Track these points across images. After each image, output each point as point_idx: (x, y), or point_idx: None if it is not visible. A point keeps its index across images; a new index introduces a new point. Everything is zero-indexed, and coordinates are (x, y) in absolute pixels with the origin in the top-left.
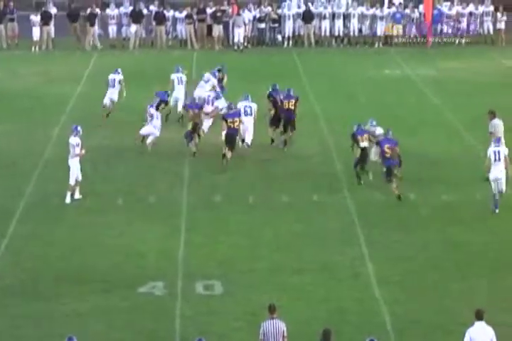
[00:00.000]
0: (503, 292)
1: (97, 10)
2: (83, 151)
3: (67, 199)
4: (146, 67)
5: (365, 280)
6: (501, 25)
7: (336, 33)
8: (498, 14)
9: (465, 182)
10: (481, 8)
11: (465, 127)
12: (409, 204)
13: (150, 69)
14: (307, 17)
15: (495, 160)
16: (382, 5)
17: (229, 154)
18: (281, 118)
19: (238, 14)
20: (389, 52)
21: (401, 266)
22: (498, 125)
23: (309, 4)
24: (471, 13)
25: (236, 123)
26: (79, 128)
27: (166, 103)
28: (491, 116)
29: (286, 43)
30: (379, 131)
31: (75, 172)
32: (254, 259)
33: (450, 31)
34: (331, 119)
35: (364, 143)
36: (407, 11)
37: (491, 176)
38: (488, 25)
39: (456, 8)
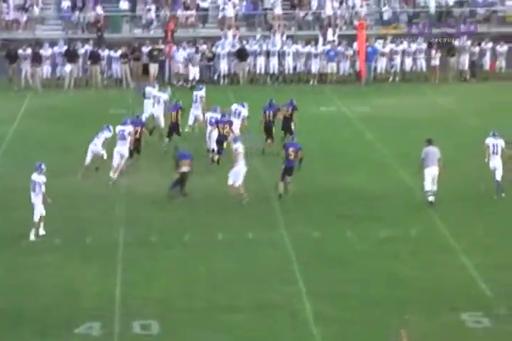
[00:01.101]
0: (440, 328)
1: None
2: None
3: (32, 237)
4: (81, 106)
5: (303, 318)
6: (435, 62)
7: (271, 71)
8: (432, 51)
9: (400, 217)
10: (414, 46)
11: (398, 163)
12: (345, 240)
13: (85, 108)
14: (242, 55)
15: (493, 152)
16: (316, 43)
17: (216, 157)
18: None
19: (196, 52)
20: (324, 90)
21: (339, 303)
22: (429, 151)
23: (244, 42)
24: (404, 51)
25: (226, 130)
26: (42, 166)
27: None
28: (426, 144)
29: (222, 81)
30: None
31: (39, 209)
32: (191, 298)
33: (384, 68)
34: (267, 156)
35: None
36: (341, 48)
37: (491, 165)
38: (421, 62)
39: (390, 46)
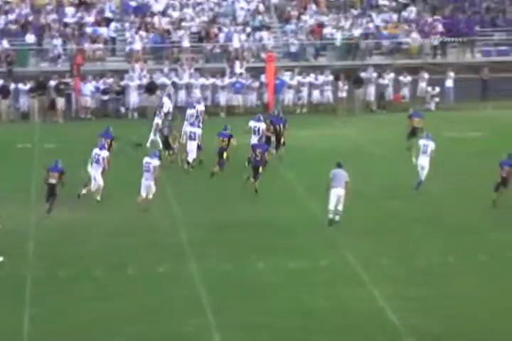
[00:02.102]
0: None
1: None
2: None
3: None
4: None
5: None
6: (343, 94)
7: (179, 104)
8: (340, 83)
9: (310, 249)
10: (321, 78)
11: (308, 195)
12: (256, 272)
13: None
14: (151, 88)
15: (423, 152)
16: (223, 75)
17: (216, 168)
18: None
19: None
20: (233, 122)
21: (250, 335)
22: (337, 173)
23: (153, 76)
24: (311, 83)
25: (225, 143)
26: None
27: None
28: (335, 166)
29: (130, 115)
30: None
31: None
32: (106, 334)
33: (291, 101)
34: (180, 188)
35: None
36: (248, 80)
37: (419, 163)
38: (329, 94)
39: (297, 78)
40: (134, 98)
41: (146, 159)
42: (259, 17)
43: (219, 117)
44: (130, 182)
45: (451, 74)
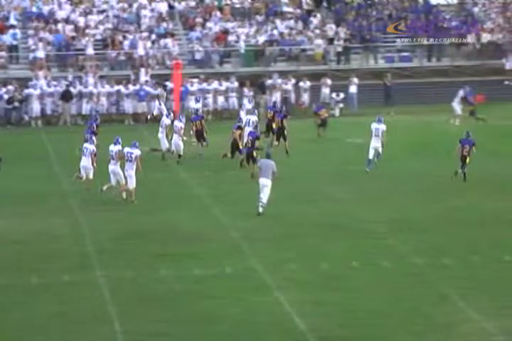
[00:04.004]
0: None
1: None
2: None
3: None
4: None
5: None
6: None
7: (83, 112)
8: (245, 90)
9: (215, 256)
10: (226, 84)
11: (213, 201)
12: (161, 279)
13: None
14: (66, 96)
15: (375, 135)
16: (128, 83)
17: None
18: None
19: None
20: (139, 129)
21: None
22: (265, 163)
23: (68, 84)
24: (216, 90)
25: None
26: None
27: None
28: (264, 157)
29: (34, 123)
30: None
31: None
32: None
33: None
34: (85, 197)
35: None
36: (151, 88)
37: (371, 145)
38: (234, 100)
39: (202, 85)
40: (36, 106)
41: (127, 149)
42: (164, 24)
43: (124, 125)
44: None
45: (355, 80)
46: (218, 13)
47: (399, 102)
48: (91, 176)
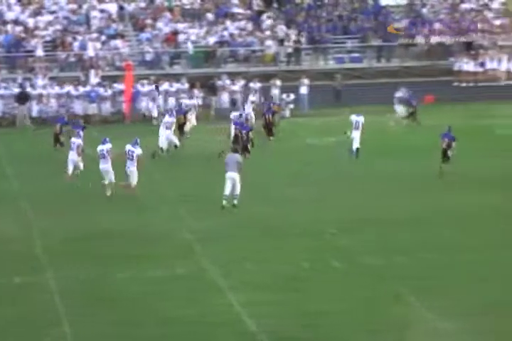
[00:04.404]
0: None
1: None
2: None
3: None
4: None
5: None
6: (198, 101)
7: (34, 114)
8: (195, 91)
9: (169, 257)
10: (176, 86)
11: (169, 201)
12: (115, 281)
13: None
14: (22, 98)
15: (355, 127)
16: (79, 84)
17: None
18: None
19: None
20: (89, 131)
21: None
22: (231, 157)
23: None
24: (166, 91)
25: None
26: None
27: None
28: (230, 151)
29: None
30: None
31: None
32: None
33: (147, 108)
34: (33, 199)
35: None
36: (102, 89)
37: (352, 136)
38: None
39: (152, 86)
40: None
41: (129, 147)
42: (114, 25)
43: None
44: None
45: (306, 81)
46: (168, 14)
47: (350, 103)
48: (81, 168)
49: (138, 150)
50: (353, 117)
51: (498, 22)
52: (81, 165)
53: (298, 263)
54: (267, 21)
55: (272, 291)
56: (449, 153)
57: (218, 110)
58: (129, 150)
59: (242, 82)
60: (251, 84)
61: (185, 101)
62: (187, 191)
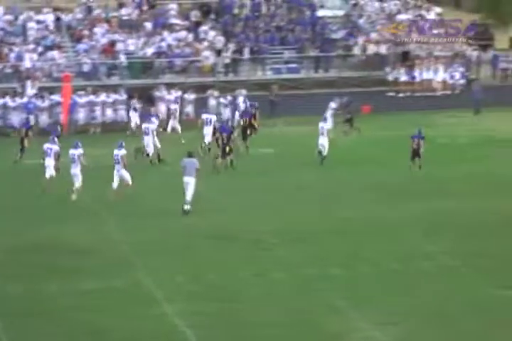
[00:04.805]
0: None
1: None
2: None
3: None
4: None
5: None
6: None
7: None
8: (134, 102)
9: (104, 270)
10: (114, 97)
11: (106, 213)
12: (50, 294)
13: None
14: None
15: (321, 133)
16: (15, 95)
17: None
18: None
19: None
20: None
21: None
22: (188, 162)
23: None
24: (104, 102)
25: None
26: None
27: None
28: (186, 156)
29: None
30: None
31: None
32: None
33: (85, 120)
34: None
35: None
36: (39, 101)
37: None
38: (122, 113)
39: (90, 97)
40: None
41: (115, 151)
42: (51, 36)
43: (10, 138)
44: None
45: (243, 91)
46: (105, 25)
47: (287, 113)
48: (54, 174)
49: (122, 152)
50: (320, 124)
51: (433, 32)
52: (54, 172)
53: (235, 274)
54: (204, 32)
55: (208, 302)
56: (421, 151)
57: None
58: (114, 155)
59: (179, 93)
60: (185, 95)
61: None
62: (124, 203)
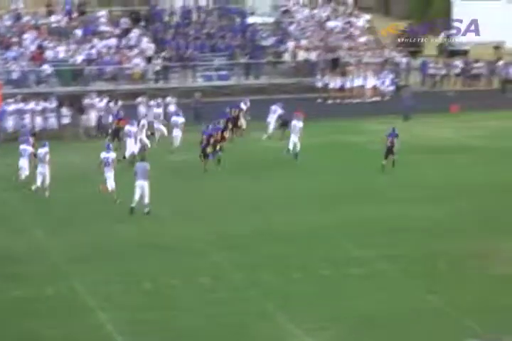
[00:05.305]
0: None
1: None
2: None
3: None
4: None
5: None
6: (66, 120)
7: None
8: (63, 110)
9: (35, 277)
10: (44, 104)
11: (36, 221)
12: None
13: None
14: None
15: (293, 131)
16: None
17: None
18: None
19: None
20: None
21: None
22: (140, 166)
23: None
24: (33, 110)
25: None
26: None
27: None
28: (139, 161)
29: None
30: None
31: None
32: None
33: (14, 128)
34: None
35: None
36: None
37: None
38: (53, 120)
39: (19, 105)
40: None
41: (104, 154)
42: None
43: None
44: None
45: (173, 99)
46: (35, 32)
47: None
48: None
49: (112, 155)
50: (293, 122)
51: (363, 39)
52: (27, 172)
53: (166, 281)
54: (134, 39)
55: (141, 309)
56: (394, 148)
57: (87, 129)
58: (104, 157)
59: (105, 101)
60: (111, 104)
61: None
62: (57, 211)
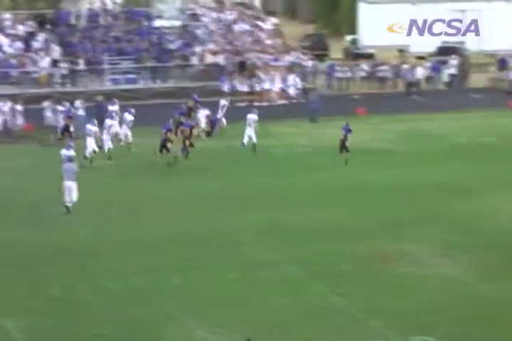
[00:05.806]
0: None
1: None
2: None
3: None
4: None
5: None
6: None
7: None
8: None
9: None
10: None
11: None
12: None
13: None
14: None
15: (248, 124)
16: None
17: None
18: None
19: None
20: None
21: None
22: (68, 167)
23: None
24: None
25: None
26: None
27: None
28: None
29: None
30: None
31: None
32: None
33: None
34: None
35: None
36: None
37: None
38: None
39: None
40: None
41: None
42: None
43: None
44: None
45: (81, 103)
46: None
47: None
48: None
49: (72, 153)
50: (249, 115)
51: (270, 42)
52: None
53: (75, 287)
54: (40, 42)
55: (48, 316)
56: (347, 143)
57: None
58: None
59: (9, 104)
60: (16, 107)
61: None
62: None
